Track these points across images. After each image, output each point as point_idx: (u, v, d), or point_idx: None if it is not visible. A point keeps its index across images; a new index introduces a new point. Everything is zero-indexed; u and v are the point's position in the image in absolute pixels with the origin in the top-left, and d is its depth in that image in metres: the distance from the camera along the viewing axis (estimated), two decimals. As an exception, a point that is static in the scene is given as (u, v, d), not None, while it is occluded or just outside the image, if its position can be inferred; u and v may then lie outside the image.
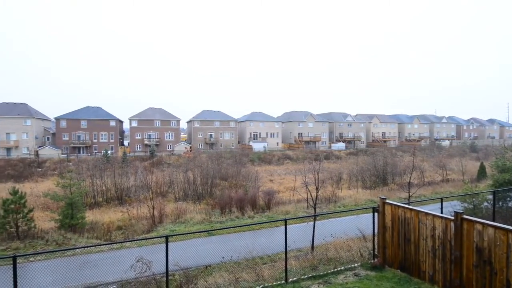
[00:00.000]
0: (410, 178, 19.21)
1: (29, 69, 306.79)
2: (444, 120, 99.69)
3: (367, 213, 11.47)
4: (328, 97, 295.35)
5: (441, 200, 10.45)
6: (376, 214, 7.82)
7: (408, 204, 10.13)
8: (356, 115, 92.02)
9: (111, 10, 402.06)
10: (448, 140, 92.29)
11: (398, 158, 41.98)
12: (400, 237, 7.06)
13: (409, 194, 17.80)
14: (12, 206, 15.08)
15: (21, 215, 15.20)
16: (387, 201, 7.56)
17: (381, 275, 7.12)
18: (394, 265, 7.29)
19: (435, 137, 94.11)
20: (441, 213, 9.16)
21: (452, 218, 5.94)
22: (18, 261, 5.46)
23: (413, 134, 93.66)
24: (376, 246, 8.00)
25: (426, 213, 6.50)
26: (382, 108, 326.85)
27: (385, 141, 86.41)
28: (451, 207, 10.07)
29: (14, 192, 15.55)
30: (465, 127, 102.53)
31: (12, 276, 5.36)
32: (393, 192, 25.64)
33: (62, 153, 58.25)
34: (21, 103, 62.81)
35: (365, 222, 10.11)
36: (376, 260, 7.79)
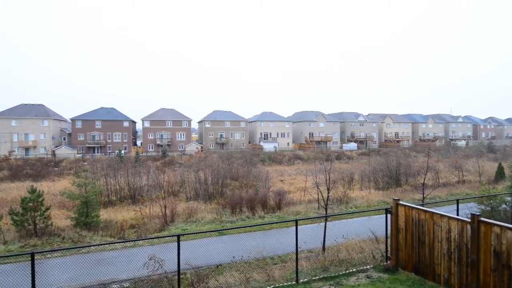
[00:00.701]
0: (425, 179, 18.78)
1: (29, 69, 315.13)
2: (460, 120, 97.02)
3: (379, 214, 11.30)
4: (339, 98, 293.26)
5: (457, 201, 10.17)
6: (389, 215, 7.68)
7: (422, 205, 9.93)
8: (368, 114, 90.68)
9: (111, 10, 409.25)
10: (464, 140, 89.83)
11: (411, 159, 41.16)
12: (414, 239, 6.91)
13: (423, 196, 17.39)
14: (30, 204, 15.59)
15: (39, 213, 15.67)
16: (401, 202, 7.41)
17: (394, 278, 7.00)
18: (407, 268, 7.15)
19: (451, 137, 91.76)
20: (457, 215, 8.92)
21: (469, 220, 5.78)
22: (36, 257, 5.62)
23: (428, 134, 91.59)
24: (389, 248, 7.86)
25: (441, 215, 6.35)
26: (393, 108, 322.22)
27: (398, 141, 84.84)
28: (468, 209, 9.81)
29: (32, 191, 16.06)
30: (482, 127, 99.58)
31: (30, 272, 5.53)
32: (406, 193, 25.13)
33: (78, 153, 59.78)
34: (39, 104, 64.72)
35: (378, 224, 9.95)
36: (389, 262, 7.66)
